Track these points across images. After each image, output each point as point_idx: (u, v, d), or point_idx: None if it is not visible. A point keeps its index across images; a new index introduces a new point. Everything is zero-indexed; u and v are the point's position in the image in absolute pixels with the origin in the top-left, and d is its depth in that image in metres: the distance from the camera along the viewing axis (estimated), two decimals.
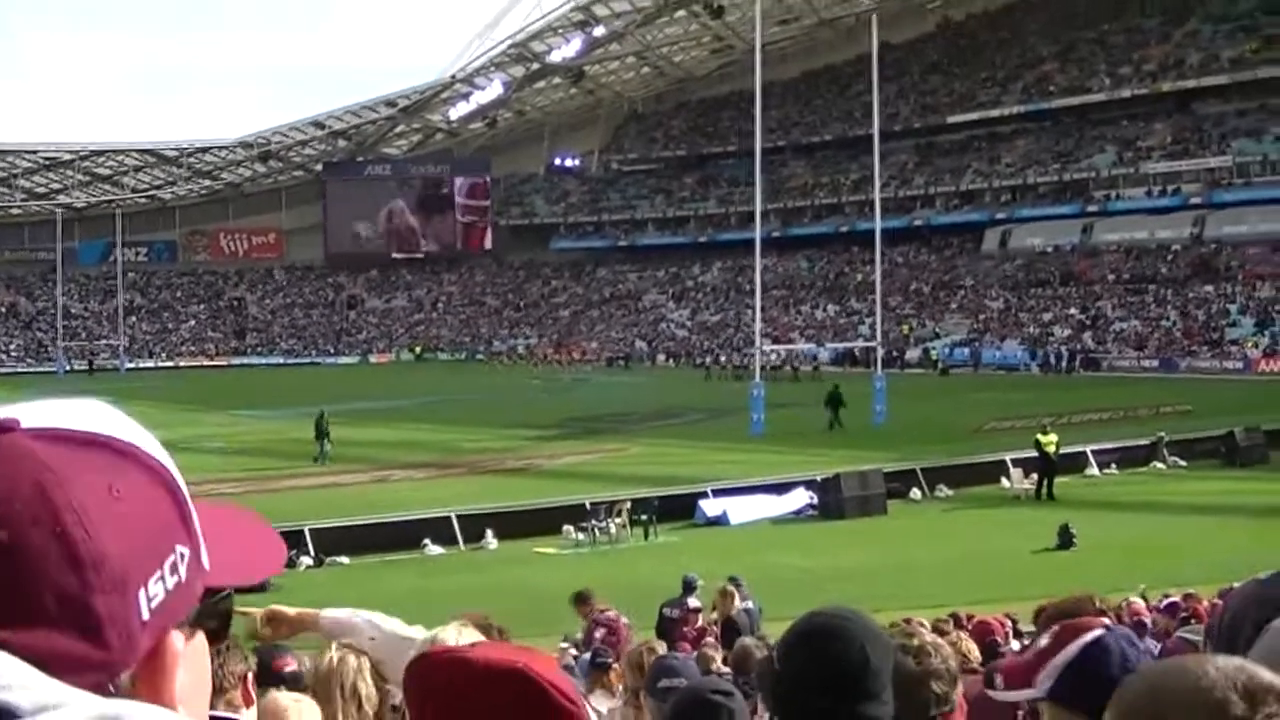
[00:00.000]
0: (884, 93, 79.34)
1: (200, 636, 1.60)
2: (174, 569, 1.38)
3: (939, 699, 4.41)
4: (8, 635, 1.24)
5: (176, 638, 1.41)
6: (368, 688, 5.30)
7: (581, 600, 18.90)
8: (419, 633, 4.82)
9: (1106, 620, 3.64)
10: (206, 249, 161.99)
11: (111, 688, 1.31)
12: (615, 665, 12.42)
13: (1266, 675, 1.91)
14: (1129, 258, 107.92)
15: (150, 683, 1.38)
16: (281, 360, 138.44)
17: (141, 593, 1.33)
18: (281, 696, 4.97)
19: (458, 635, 4.40)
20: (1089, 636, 3.52)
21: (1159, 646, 10.25)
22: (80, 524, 1.29)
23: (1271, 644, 2.61)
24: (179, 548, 1.40)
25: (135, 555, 1.34)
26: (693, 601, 20.31)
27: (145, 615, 1.33)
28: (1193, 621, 12.08)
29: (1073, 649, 3.49)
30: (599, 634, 18.11)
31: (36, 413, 1.33)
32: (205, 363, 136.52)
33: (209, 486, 44.98)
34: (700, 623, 19.63)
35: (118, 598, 1.31)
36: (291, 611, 4.80)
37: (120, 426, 1.41)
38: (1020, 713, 8.76)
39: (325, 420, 55.38)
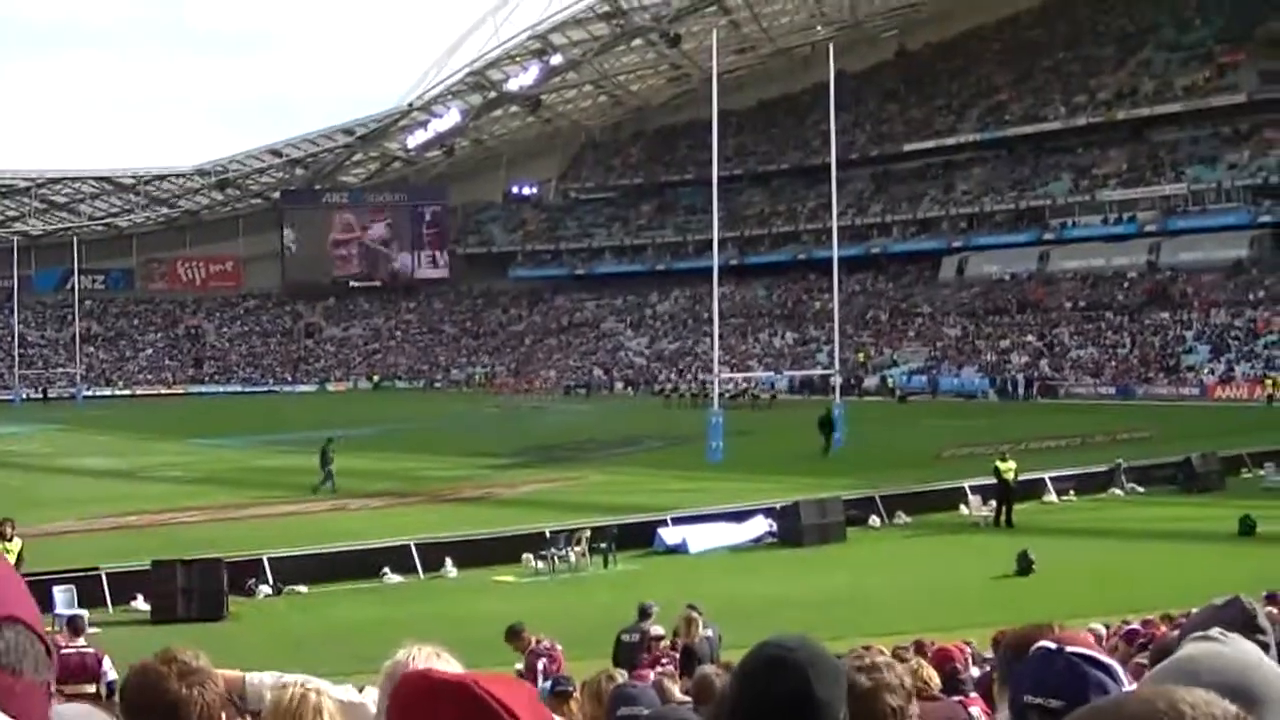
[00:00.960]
0: (840, 121, 79.42)
1: None
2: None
3: (894, 712, 4.41)
4: None
5: None
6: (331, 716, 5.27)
7: (514, 635, 18.84)
8: (368, 696, 4.82)
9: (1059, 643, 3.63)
10: (164, 277, 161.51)
11: None
12: (575, 694, 12.41)
13: (1235, 709, 1.91)
14: (1085, 285, 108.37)
15: None
16: (239, 389, 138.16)
17: None
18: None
19: (421, 657, 4.40)
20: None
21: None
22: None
23: (1165, 671, 2.62)
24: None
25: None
26: (656, 629, 20.27)
27: None
28: (1150, 647, 12.10)
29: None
30: (542, 664, 18.12)
31: None
32: (162, 391, 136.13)
33: (167, 516, 44.83)
34: (661, 649, 19.58)
35: None
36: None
37: None
38: None
39: (332, 448, 54.67)
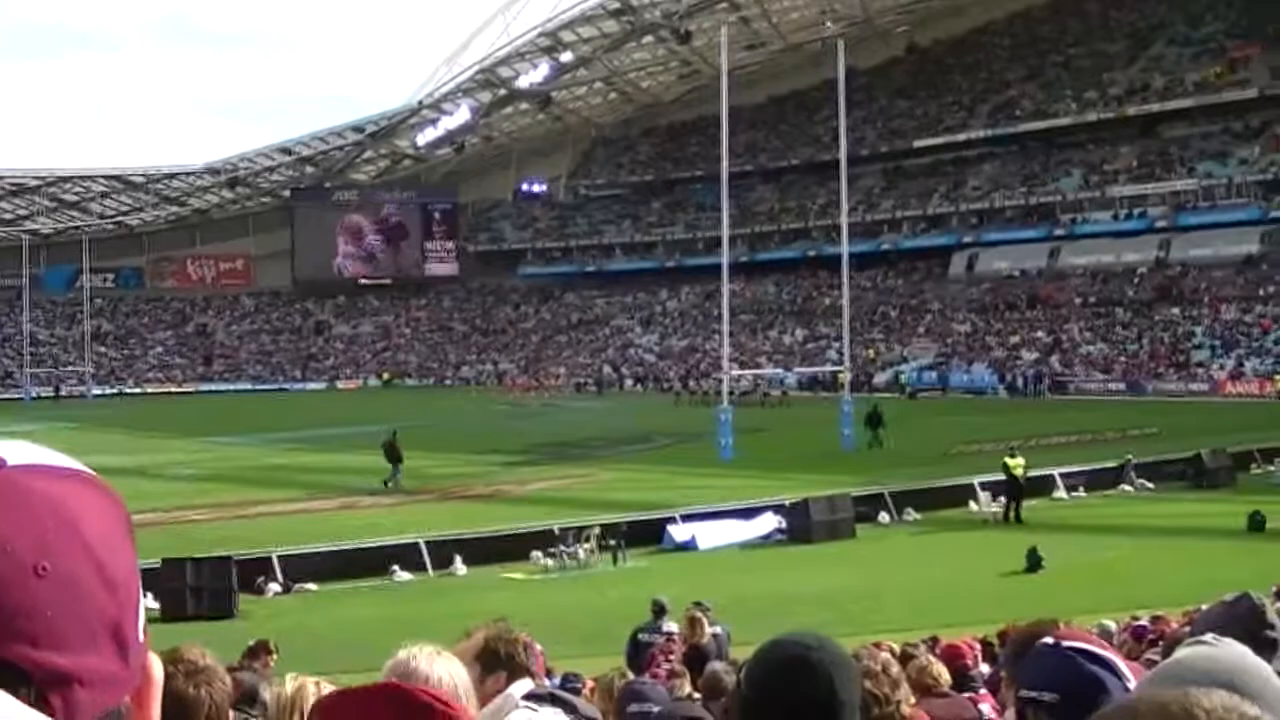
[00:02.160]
0: (851, 117, 79.44)
1: None
2: (142, 592, 1.44)
3: (877, 700, 4.43)
4: (67, 661, 1.29)
5: (155, 661, 1.45)
6: None
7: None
8: None
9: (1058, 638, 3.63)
10: (174, 275, 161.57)
11: (122, 709, 1.37)
12: (585, 691, 12.40)
13: (1253, 710, 1.91)
14: (1095, 281, 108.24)
15: (140, 705, 1.41)
16: (249, 387, 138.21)
17: (140, 614, 1.41)
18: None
19: (423, 657, 4.40)
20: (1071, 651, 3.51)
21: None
22: (104, 550, 1.35)
23: (1156, 675, 2.62)
24: (138, 573, 1.43)
25: (133, 579, 1.40)
26: (669, 626, 20.24)
27: (141, 636, 1.39)
28: (1160, 643, 12.10)
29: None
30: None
31: (10, 451, 1.37)
32: (172, 389, 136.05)
33: (177, 514, 44.85)
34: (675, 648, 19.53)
35: (134, 619, 1.38)
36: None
37: (73, 461, 1.43)
38: None
39: (397, 440, 54.83)
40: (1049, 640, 3.49)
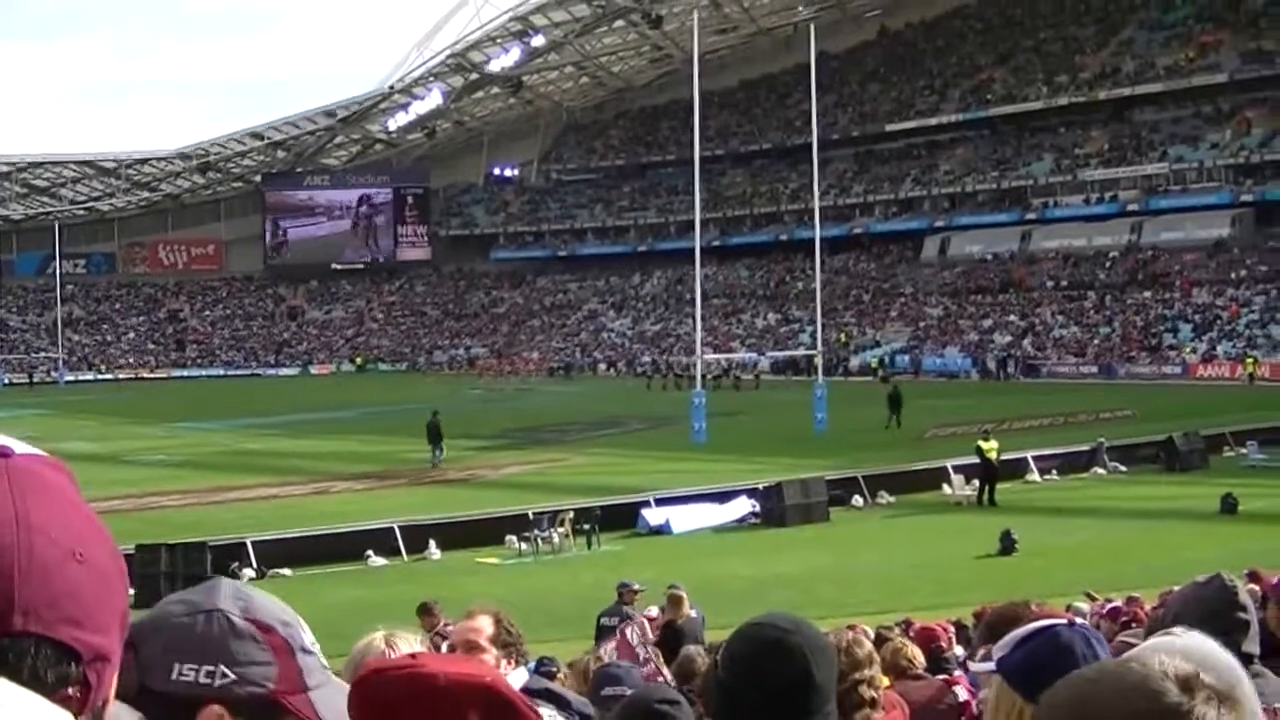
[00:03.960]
0: (822, 102, 79.60)
1: None
2: None
3: (854, 682, 4.45)
4: (105, 642, 1.36)
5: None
6: None
7: (426, 612, 18.11)
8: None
9: (1076, 617, 3.66)
10: (145, 261, 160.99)
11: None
12: (560, 675, 12.42)
13: (1190, 664, 1.93)
14: (1067, 264, 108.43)
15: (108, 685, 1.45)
16: (222, 372, 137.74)
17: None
18: None
19: (388, 647, 4.40)
20: (1049, 623, 3.53)
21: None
22: (109, 537, 1.42)
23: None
24: None
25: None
26: (651, 611, 20.26)
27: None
28: (1134, 625, 12.14)
29: (1030, 627, 3.50)
30: (445, 647, 17.96)
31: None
32: (145, 375, 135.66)
33: (150, 499, 44.81)
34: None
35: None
36: None
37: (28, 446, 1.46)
38: (963, 718, 8.82)
39: (438, 420, 55.32)
40: (1026, 621, 3.52)
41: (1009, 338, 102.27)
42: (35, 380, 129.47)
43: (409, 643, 4.78)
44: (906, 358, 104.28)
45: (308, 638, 2.12)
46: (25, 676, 1.26)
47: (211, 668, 1.93)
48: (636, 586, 21.57)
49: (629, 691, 7.14)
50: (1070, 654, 3.36)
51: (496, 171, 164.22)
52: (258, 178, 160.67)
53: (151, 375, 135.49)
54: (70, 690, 1.32)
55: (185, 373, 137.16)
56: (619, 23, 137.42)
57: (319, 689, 2.07)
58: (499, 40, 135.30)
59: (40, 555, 1.30)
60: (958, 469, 44.42)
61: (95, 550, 1.37)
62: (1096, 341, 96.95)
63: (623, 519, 40.17)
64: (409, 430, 60.89)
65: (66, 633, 1.31)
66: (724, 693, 3.53)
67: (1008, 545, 32.96)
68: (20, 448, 1.41)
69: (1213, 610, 4.35)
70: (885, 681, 6.51)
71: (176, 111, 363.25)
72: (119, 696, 1.46)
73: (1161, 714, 1.83)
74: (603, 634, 19.81)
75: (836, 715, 3.52)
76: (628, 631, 14.06)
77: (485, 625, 6.13)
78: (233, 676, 1.96)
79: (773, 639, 3.44)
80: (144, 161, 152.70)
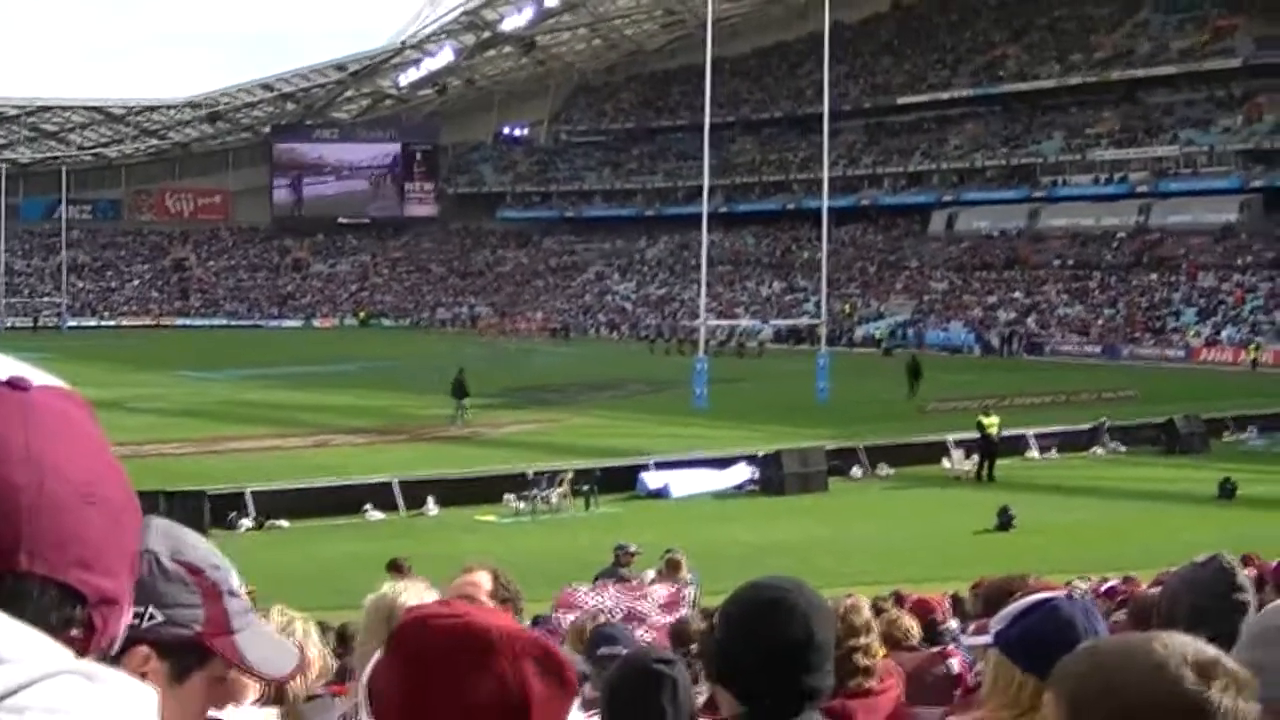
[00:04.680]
0: (834, 72, 79.29)
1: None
2: None
3: (853, 648, 4.48)
4: (114, 585, 1.32)
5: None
6: (316, 650, 5.33)
7: (396, 569, 17.73)
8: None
9: (1072, 590, 3.67)
10: (152, 208, 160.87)
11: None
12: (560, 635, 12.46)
13: (1211, 650, 1.94)
14: (1074, 244, 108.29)
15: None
16: (225, 322, 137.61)
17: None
18: None
19: (420, 597, 4.42)
20: (1047, 595, 3.54)
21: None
22: (126, 476, 1.37)
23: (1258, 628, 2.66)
24: None
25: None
26: (648, 574, 20.30)
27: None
28: (1129, 605, 12.15)
29: (1029, 600, 3.51)
30: None
31: (14, 370, 1.37)
32: (148, 323, 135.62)
33: (150, 448, 44.82)
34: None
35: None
36: None
37: (48, 375, 1.42)
38: (958, 691, 8.85)
39: (464, 377, 55.89)
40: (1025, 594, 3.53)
41: (1013, 314, 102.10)
42: (38, 325, 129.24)
43: (419, 594, 4.80)
44: (910, 331, 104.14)
45: (235, 580, 2.14)
46: (28, 617, 1.23)
47: (140, 609, 1.92)
48: (633, 549, 21.64)
49: (624, 651, 7.16)
50: (1071, 627, 3.36)
51: (506, 131, 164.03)
52: (266, 129, 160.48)
53: (155, 323, 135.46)
54: (74, 632, 1.30)
55: (188, 322, 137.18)
56: None
57: (243, 632, 2.09)
58: None
59: (50, 494, 1.27)
60: (958, 443, 44.41)
61: (109, 490, 1.34)
62: (1100, 321, 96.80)
63: (622, 481, 40.22)
64: (411, 386, 60.86)
65: (74, 575, 1.29)
66: (723, 654, 3.54)
67: (1005, 521, 32.99)
68: (40, 379, 1.38)
69: (1211, 591, 4.36)
70: (881, 651, 6.53)
71: (186, 63, 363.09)
72: None
73: (1180, 699, 1.84)
74: None
75: (834, 677, 3.54)
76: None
77: (484, 580, 6.15)
78: (160, 618, 1.98)
79: (772, 599, 3.45)
80: (153, 109, 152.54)
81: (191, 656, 2.02)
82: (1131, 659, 1.88)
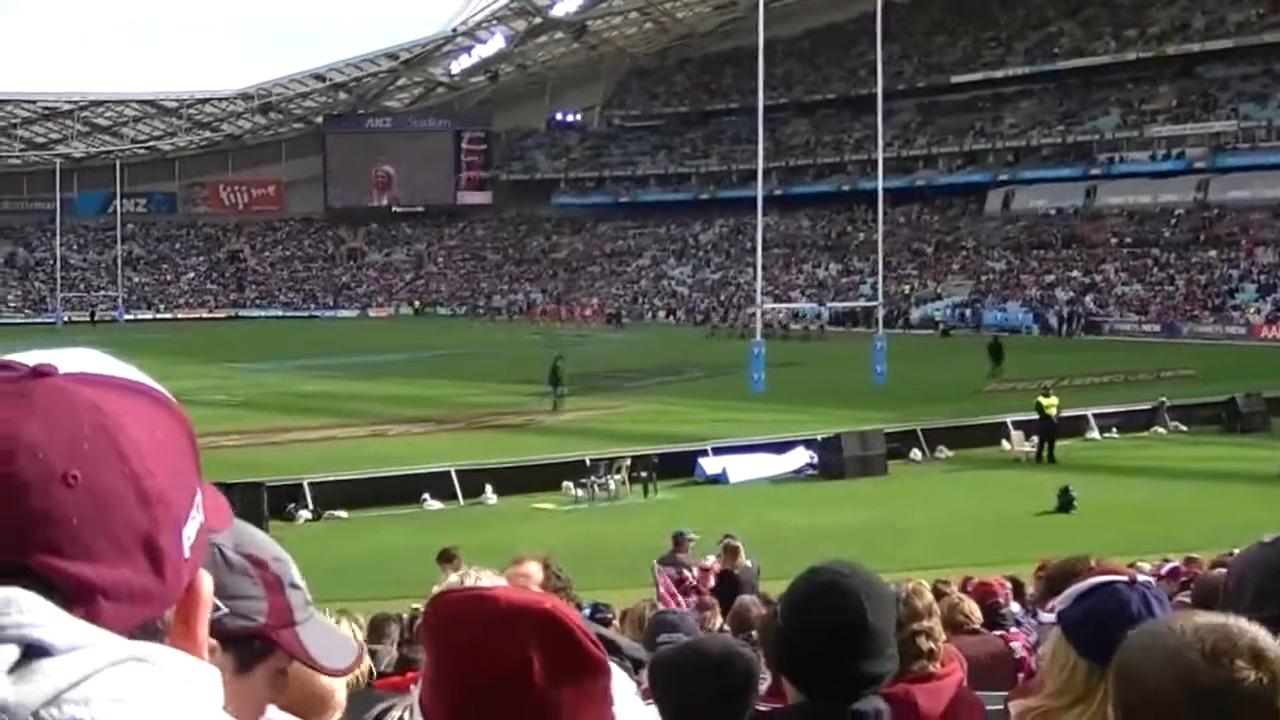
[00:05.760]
0: (888, 51, 79.11)
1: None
2: (198, 510, 1.40)
3: (914, 632, 4.49)
4: (92, 572, 1.27)
5: (206, 578, 1.43)
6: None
7: (447, 559, 17.62)
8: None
9: (1139, 575, 3.65)
10: (206, 201, 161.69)
11: (160, 624, 1.35)
12: (615, 622, 12.48)
13: (1238, 632, 1.93)
14: (1132, 221, 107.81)
15: (185, 622, 1.40)
16: (280, 313, 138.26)
17: (185, 530, 1.37)
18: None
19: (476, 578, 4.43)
20: (1111, 577, 3.53)
21: None
22: (142, 463, 1.32)
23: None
24: (197, 491, 1.42)
25: (180, 494, 1.37)
26: (708, 560, 20.31)
27: (187, 553, 1.36)
28: (1191, 587, 12.12)
29: (1092, 581, 3.50)
30: None
31: (63, 359, 1.35)
32: (204, 315, 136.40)
33: (209, 440, 44.92)
34: (705, 580, 19.56)
35: (174, 534, 1.35)
36: None
37: (137, 373, 1.41)
38: (1020, 675, 8.83)
39: (561, 364, 56.19)
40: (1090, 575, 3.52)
41: (1071, 294, 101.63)
42: (95, 319, 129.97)
43: (490, 583, 4.83)
44: (967, 312, 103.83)
45: (296, 573, 2.16)
46: None
47: None
48: (691, 535, 21.64)
49: (685, 638, 7.17)
50: (1126, 611, 3.35)
51: (559, 117, 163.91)
52: (319, 119, 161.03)
53: (211, 315, 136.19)
54: None
55: (244, 313, 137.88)
56: None
57: (304, 624, 2.12)
58: None
59: (21, 474, 1.25)
60: (1017, 425, 44.29)
61: (101, 472, 1.29)
62: (1159, 300, 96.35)
63: (680, 467, 40.20)
64: (468, 375, 60.92)
65: (39, 559, 1.25)
66: (783, 639, 3.55)
67: (1066, 502, 32.86)
68: (73, 365, 1.34)
69: (1276, 572, 4.33)
70: (943, 635, 6.52)
71: (237, 53, 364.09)
72: None
73: (1189, 687, 1.84)
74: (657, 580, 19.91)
75: (897, 661, 3.54)
76: (660, 586, 14.18)
77: (534, 571, 6.20)
78: (225, 610, 1.98)
79: (827, 581, 3.47)
80: (205, 101, 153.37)
81: (255, 648, 2.05)
82: (1149, 646, 1.88)
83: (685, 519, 26.51)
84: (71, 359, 1.35)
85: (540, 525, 33.26)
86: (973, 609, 9.82)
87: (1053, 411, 42.37)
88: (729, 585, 17.81)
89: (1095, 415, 47.37)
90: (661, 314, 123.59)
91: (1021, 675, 8.82)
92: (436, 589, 5.00)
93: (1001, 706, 4.79)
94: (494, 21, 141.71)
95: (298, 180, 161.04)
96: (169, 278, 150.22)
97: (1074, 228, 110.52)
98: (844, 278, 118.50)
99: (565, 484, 37.44)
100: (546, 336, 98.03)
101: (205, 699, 1.26)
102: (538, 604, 2.22)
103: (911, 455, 42.84)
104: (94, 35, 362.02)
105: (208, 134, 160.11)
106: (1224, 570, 6.42)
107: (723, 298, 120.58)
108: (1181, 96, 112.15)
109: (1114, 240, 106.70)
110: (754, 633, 9.60)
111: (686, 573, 19.81)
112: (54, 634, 1.17)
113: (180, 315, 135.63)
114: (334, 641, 2.20)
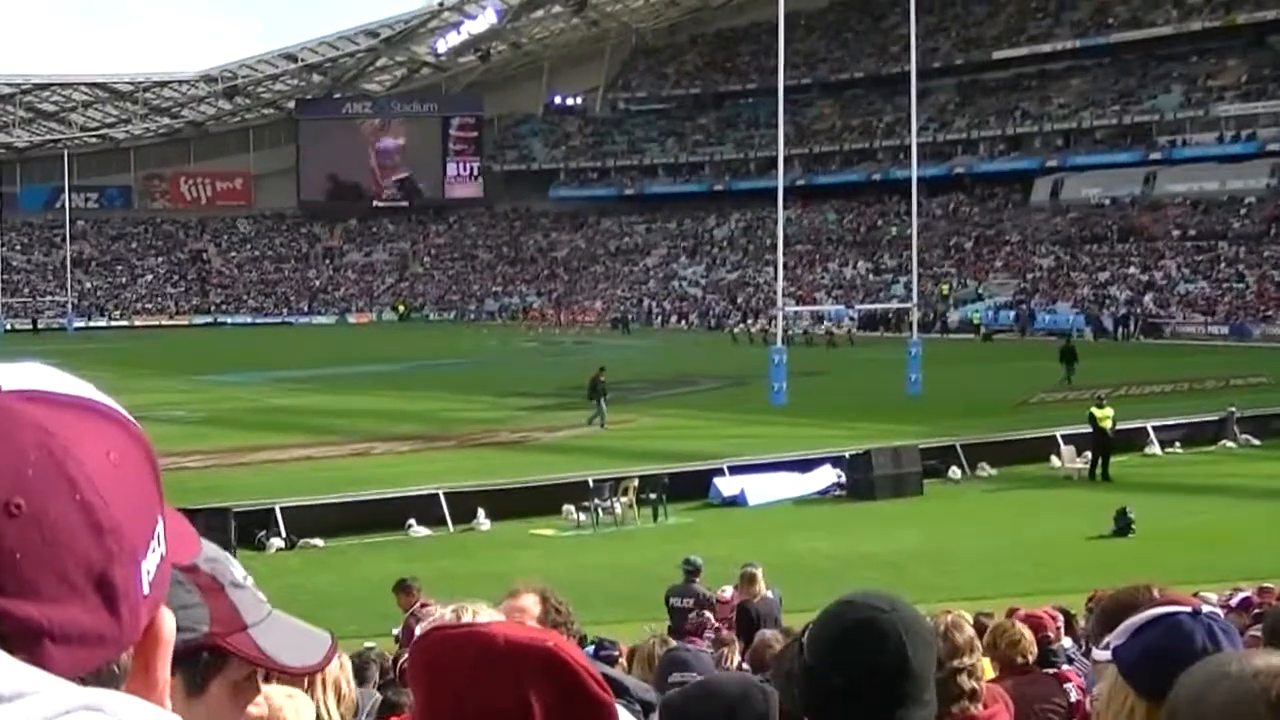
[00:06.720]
0: (922, 25, 79.15)
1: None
2: (160, 541, 1.37)
3: (954, 671, 4.49)
4: (36, 611, 1.24)
5: (168, 617, 1.41)
6: (346, 682, 5.40)
7: (403, 589, 18.24)
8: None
9: (1204, 605, 3.63)
10: (165, 195, 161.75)
11: (115, 668, 1.33)
12: (620, 659, 12.48)
13: None
14: (1196, 211, 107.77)
15: (144, 666, 1.38)
16: (249, 320, 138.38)
17: (143, 564, 1.34)
18: (274, 693, 5.04)
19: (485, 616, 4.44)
20: (1170, 610, 3.51)
21: None
22: (95, 490, 1.29)
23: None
24: (159, 519, 1.39)
25: (137, 525, 1.33)
26: (724, 591, 20.29)
27: (146, 590, 1.34)
28: (1266, 619, 12.08)
29: (1151, 613, 3.48)
30: (420, 629, 17.83)
31: (5, 375, 1.32)
32: (164, 322, 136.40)
33: (170, 460, 44.93)
34: (722, 613, 19.54)
35: (132, 569, 1.32)
36: None
37: (92, 390, 1.37)
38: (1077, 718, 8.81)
39: (603, 377, 56.05)
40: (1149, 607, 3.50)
41: (1128, 293, 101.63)
42: (40, 326, 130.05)
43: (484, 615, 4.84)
44: (1012, 313, 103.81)
45: (238, 572, 2.10)
46: None
47: None
48: (698, 562, 21.60)
49: (698, 677, 7.17)
50: (1189, 646, 3.33)
51: (557, 100, 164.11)
52: (291, 104, 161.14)
53: (171, 322, 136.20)
54: None
55: (208, 320, 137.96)
56: None
57: (260, 624, 2.07)
58: None
59: None
60: (1068, 439, 44.20)
61: (48, 501, 1.26)
62: (1228, 298, 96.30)
63: (693, 488, 40.13)
64: (458, 387, 60.96)
65: None
66: (809, 678, 3.53)
67: (1123, 525, 32.81)
68: (18, 381, 1.30)
69: None
70: (990, 673, 6.50)
71: (199, 31, 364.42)
72: None
73: None
74: (675, 616, 19.90)
75: (935, 706, 3.52)
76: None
77: (531, 604, 6.20)
78: None
79: (864, 619, 3.41)
80: (163, 84, 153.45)
81: (205, 662, 2.02)
82: (1205, 691, 1.86)
83: (699, 545, 26.47)
84: (14, 375, 1.31)
85: (538, 553, 33.25)
86: (1027, 639, 9.74)
87: (1107, 424, 42.27)
88: (744, 618, 17.78)
89: (1156, 428, 47.28)
90: (672, 318, 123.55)
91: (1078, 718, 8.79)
92: (422, 627, 5.01)
93: None
94: None
95: (267, 172, 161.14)
96: (124, 281, 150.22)
97: (1131, 219, 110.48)
98: (874, 277, 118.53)
99: (566, 507, 37.36)
100: (544, 344, 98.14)
101: None
102: (539, 641, 2.21)
103: (950, 473, 42.77)
104: (38, 10, 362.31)
105: (166, 121, 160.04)
106: None
107: (740, 300, 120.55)
108: (1253, 71, 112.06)
109: (1176, 233, 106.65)
110: (784, 665, 9.58)
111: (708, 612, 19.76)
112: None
113: (137, 323, 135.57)
114: (299, 638, 2.14)
